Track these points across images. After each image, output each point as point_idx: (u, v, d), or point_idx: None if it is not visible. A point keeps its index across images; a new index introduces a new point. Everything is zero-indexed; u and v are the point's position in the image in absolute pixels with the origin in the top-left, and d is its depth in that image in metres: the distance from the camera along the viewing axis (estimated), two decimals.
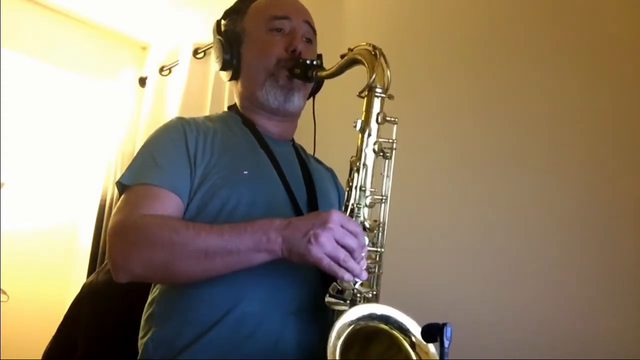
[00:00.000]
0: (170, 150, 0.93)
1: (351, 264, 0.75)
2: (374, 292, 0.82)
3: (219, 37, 1.08)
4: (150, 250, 0.81)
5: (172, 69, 2.44)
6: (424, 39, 1.40)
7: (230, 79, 1.10)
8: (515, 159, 1.14)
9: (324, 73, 0.97)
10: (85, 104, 2.86)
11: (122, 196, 0.91)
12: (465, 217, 1.21)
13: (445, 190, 1.26)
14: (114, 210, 0.90)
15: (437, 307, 1.20)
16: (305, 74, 0.98)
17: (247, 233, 0.78)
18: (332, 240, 0.74)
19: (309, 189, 1.01)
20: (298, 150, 1.12)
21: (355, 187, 0.83)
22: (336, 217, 0.75)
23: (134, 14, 2.66)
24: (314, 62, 0.98)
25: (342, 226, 0.75)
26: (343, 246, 0.75)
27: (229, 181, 0.92)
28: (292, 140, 1.14)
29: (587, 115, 1.04)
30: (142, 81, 2.62)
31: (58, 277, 2.62)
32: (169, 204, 0.87)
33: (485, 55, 1.24)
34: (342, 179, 1.14)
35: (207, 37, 2.25)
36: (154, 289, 0.93)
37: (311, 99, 1.15)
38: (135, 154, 0.97)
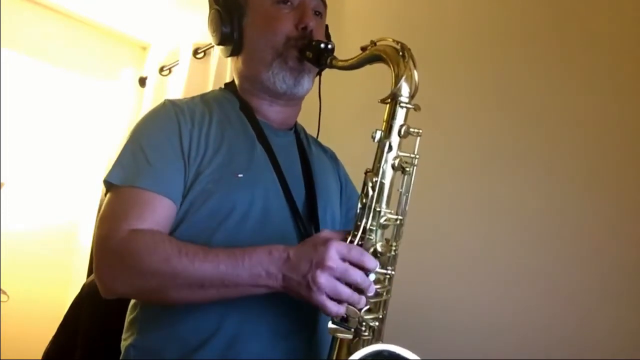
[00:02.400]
0: (164, 145, 0.86)
1: (355, 298, 0.70)
2: (381, 317, 0.75)
3: (217, 7, 0.97)
4: (140, 278, 0.76)
5: (172, 69, 2.44)
6: (424, 39, 1.40)
7: (230, 55, 0.99)
8: (521, 163, 1.13)
9: (340, 63, 0.86)
10: (85, 104, 2.86)
11: (110, 196, 0.84)
12: (471, 222, 1.21)
13: (451, 197, 1.26)
14: (101, 212, 0.83)
15: (444, 311, 1.20)
16: (318, 59, 0.88)
17: (245, 267, 0.71)
18: (332, 281, 0.68)
19: (307, 186, 0.94)
20: (299, 137, 1.04)
21: (369, 207, 0.74)
22: (334, 251, 0.68)
23: (134, 14, 2.66)
24: (329, 46, 0.88)
25: (343, 259, 0.69)
26: (347, 282, 0.69)
27: (222, 186, 0.85)
28: (295, 124, 1.05)
29: (591, 119, 1.04)
30: (142, 81, 2.62)
31: (58, 277, 2.61)
32: (161, 210, 0.81)
33: (487, 56, 1.24)
34: (345, 163, 1.11)
35: (207, 37, 2.26)
36: None
37: (317, 77, 1.05)
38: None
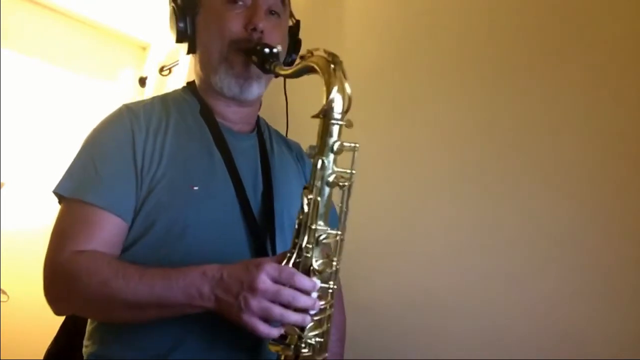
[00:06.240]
0: (115, 157, 0.83)
1: (293, 319, 0.69)
2: (324, 330, 0.74)
3: (173, 4, 0.96)
4: (81, 301, 0.77)
5: (172, 69, 2.44)
6: (424, 39, 1.40)
7: (188, 53, 0.98)
8: (521, 162, 1.13)
9: (282, 72, 0.84)
10: (85, 104, 2.86)
11: (61, 209, 0.83)
12: (472, 223, 1.20)
13: (451, 197, 1.26)
14: (52, 228, 0.82)
15: (442, 312, 1.20)
16: (263, 65, 0.85)
17: (179, 287, 0.71)
18: (263, 303, 0.67)
19: (266, 194, 0.92)
20: (262, 138, 1.00)
21: (305, 224, 0.73)
22: (265, 274, 0.68)
23: (134, 14, 2.67)
24: (274, 51, 0.85)
25: (275, 281, 0.68)
26: (280, 302, 0.68)
27: (176, 200, 0.82)
28: (257, 122, 1.02)
29: (589, 118, 1.04)
30: (142, 81, 2.63)
31: None
32: (109, 229, 0.79)
33: (487, 56, 1.24)
34: None
35: None
36: None
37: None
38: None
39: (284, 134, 1.17)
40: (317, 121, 0.76)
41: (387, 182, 1.36)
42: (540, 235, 1.06)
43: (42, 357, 1.05)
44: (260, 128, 1.03)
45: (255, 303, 0.67)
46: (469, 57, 1.28)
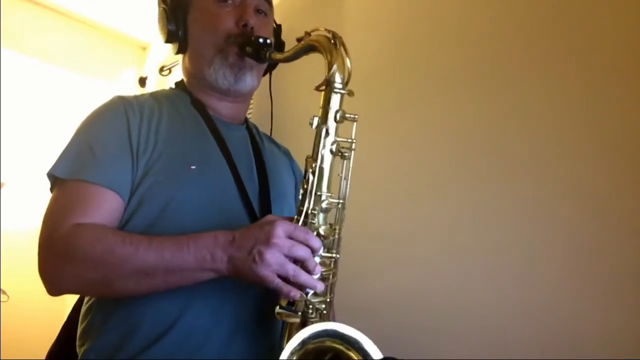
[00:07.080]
0: (111, 139, 0.84)
1: (303, 277, 0.69)
2: (328, 300, 0.75)
3: (163, 5, 0.99)
4: (83, 270, 0.73)
5: (172, 69, 2.44)
6: (424, 38, 1.40)
7: (177, 52, 1.03)
8: (521, 162, 1.13)
9: (278, 56, 0.89)
10: (85, 104, 2.86)
11: (56, 191, 0.83)
12: (477, 224, 1.20)
13: (455, 200, 1.26)
14: (46, 208, 0.81)
15: (442, 311, 1.20)
16: (258, 53, 0.90)
17: (190, 251, 0.71)
18: (278, 256, 0.68)
19: (261, 180, 0.94)
20: (252, 133, 1.04)
21: (310, 192, 0.75)
22: (281, 229, 0.69)
23: (134, 15, 2.67)
24: (267, 41, 0.90)
25: (290, 237, 0.69)
26: (294, 258, 0.69)
27: (173, 178, 0.83)
28: (246, 120, 1.05)
29: (590, 117, 1.04)
30: (142, 81, 2.63)
31: None
32: (107, 205, 0.79)
33: (487, 55, 1.24)
34: (299, 158, 1.10)
35: None
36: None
37: (267, 75, 1.08)
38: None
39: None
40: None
41: (387, 181, 1.36)
42: (540, 235, 1.06)
43: (41, 357, 1.06)
44: (248, 124, 1.06)
45: (270, 255, 0.67)
46: (469, 57, 1.28)
